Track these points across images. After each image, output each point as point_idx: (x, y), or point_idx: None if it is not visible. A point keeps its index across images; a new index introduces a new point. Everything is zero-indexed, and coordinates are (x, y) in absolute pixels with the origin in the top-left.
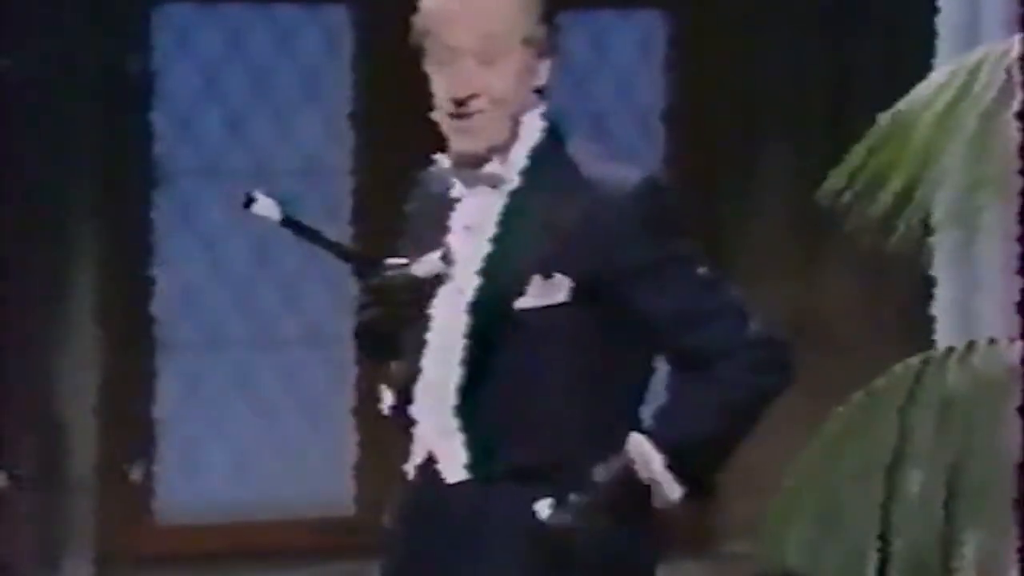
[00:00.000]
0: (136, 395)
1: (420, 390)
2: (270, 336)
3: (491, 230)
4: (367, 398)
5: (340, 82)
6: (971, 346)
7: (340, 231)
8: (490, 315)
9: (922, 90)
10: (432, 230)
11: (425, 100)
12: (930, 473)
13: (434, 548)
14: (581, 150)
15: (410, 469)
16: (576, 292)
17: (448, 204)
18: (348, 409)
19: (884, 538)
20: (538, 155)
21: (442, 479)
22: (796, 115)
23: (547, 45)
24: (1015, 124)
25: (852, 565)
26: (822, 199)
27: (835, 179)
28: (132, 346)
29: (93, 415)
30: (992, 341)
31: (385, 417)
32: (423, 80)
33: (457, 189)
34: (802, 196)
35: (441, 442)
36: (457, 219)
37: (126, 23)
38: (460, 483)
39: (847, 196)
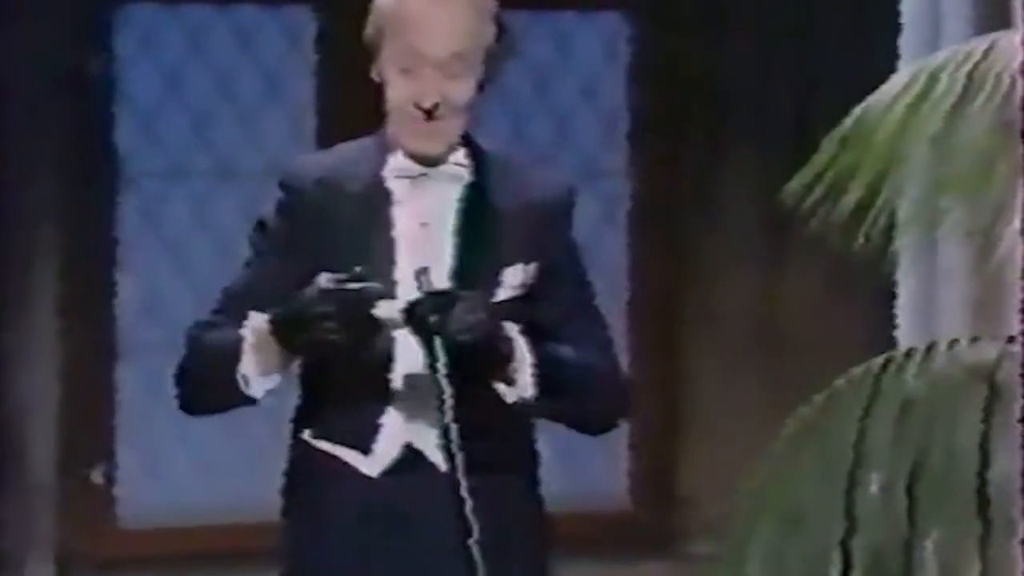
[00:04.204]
0: (98, 397)
1: (400, 383)
2: None
3: (451, 225)
4: None
5: (303, 82)
6: (931, 347)
7: None
8: None
9: (886, 91)
10: (370, 230)
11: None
12: (890, 474)
13: (415, 537)
14: (498, 150)
15: (371, 466)
16: (535, 280)
17: (383, 203)
18: None
19: (846, 538)
20: (473, 153)
21: (430, 471)
22: (760, 116)
23: (500, 58)
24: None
25: (814, 565)
26: (787, 199)
27: (800, 179)
28: (94, 347)
29: (54, 417)
30: (953, 342)
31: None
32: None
33: (397, 187)
34: (767, 197)
35: (422, 436)
36: (406, 217)
37: (88, 25)
38: (444, 475)
39: (812, 197)
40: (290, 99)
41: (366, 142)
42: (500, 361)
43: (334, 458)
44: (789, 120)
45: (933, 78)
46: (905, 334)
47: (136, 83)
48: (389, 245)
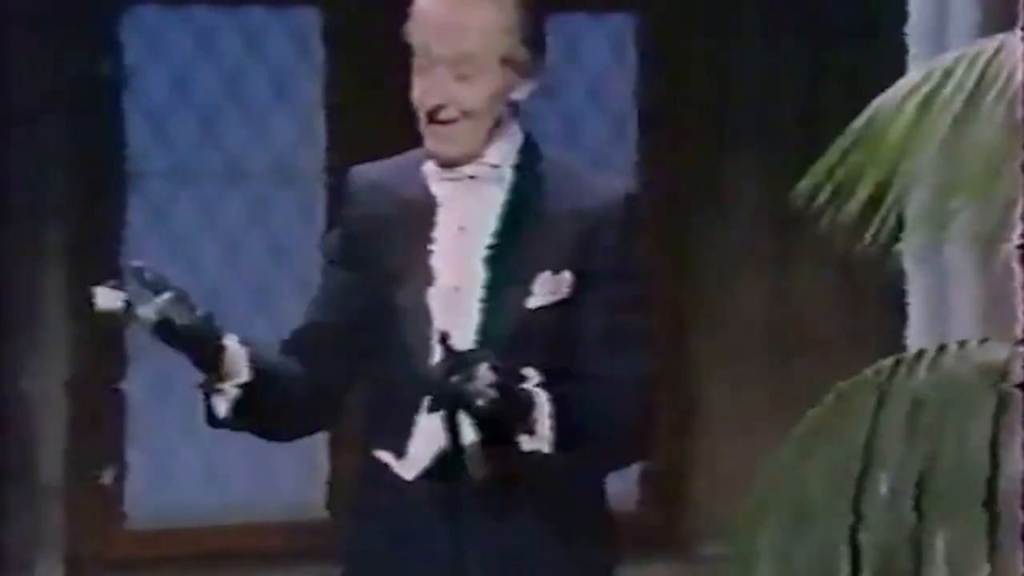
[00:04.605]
0: (107, 398)
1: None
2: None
3: (489, 229)
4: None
5: (311, 83)
6: (942, 348)
7: (316, 230)
8: (501, 314)
9: (894, 92)
10: (412, 233)
11: (395, 100)
12: (900, 474)
13: (442, 543)
14: (557, 155)
15: (407, 470)
16: (573, 289)
17: (427, 206)
18: None
19: (855, 538)
20: (525, 158)
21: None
22: (769, 117)
23: (530, 66)
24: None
25: (823, 565)
26: (796, 200)
27: (809, 180)
28: (103, 349)
29: (63, 418)
30: (963, 343)
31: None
32: (392, 80)
33: (440, 190)
34: (774, 197)
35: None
36: (446, 220)
37: (97, 25)
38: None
39: (821, 197)
40: (298, 100)
41: (421, 148)
42: (519, 419)
43: (381, 463)
44: (797, 121)
45: (943, 79)
46: (915, 335)
47: (144, 84)
48: (427, 249)
